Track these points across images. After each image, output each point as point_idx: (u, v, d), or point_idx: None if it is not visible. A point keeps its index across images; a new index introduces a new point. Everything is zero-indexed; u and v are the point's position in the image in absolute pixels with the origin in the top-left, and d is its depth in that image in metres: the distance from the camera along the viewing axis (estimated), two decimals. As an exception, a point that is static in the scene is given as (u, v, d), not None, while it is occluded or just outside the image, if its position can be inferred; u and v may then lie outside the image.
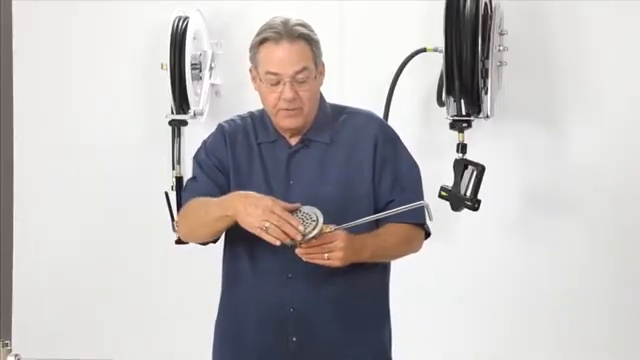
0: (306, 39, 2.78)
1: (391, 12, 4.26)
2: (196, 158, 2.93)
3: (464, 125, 4.00)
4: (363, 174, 2.83)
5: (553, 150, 4.16)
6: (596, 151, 4.13)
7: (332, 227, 2.67)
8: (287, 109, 2.78)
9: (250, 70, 2.87)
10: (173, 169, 4.38)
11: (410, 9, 4.24)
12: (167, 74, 4.26)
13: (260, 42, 2.80)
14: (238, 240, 2.84)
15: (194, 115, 4.31)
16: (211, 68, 4.38)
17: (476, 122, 4.02)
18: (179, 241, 4.32)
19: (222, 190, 2.83)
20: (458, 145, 3.99)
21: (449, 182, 3.95)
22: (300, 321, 2.81)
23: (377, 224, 2.83)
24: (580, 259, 4.15)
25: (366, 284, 2.86)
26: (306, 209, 2.67)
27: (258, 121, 2.90)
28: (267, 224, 2.60)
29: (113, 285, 4.58)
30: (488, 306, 4.23)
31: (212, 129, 4.36)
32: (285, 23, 2.79)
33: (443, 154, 4.07)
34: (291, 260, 2.71)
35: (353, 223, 2.70)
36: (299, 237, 2.61)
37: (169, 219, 4.32)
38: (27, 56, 4.63)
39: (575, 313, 4.17)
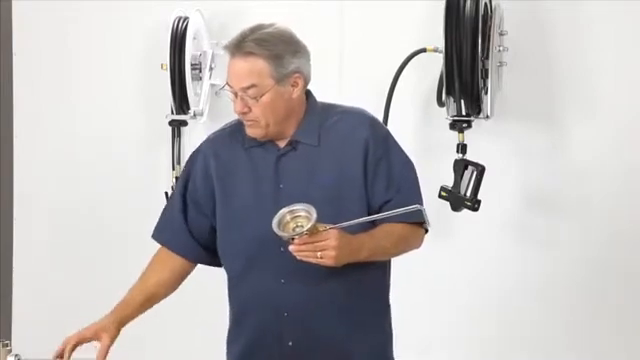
0: (260, 56, 2.73)
1: (391, 12, 4.26)
2: (180, 186, 2.94)
3: (464, 125, 4.00)
4: (354, 176, 2.80)
5: (553, 150, 4.16)
6: (596, 151, 4.13)
7: (327, 226, 2.66)
8: (245, 119, 2.79)
9: None
10: (173, 169, 4.38)
11: (410, 9, 4.24)
12: (167, 74, 4.26)
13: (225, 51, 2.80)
14: (232, 248, 2.85)
15: (194, 115, 4.31)
16: (211, 68, 4.38)
17: (476, 122, 4.02)
18: (179, 241, 4.32)
19: (192, 224, 2.92)
20: (458, 145, 3.99)
21: (449, 182, 3.95)
22: (295, 325, 2.79)
23: (374, 224, 2.81)
24: (580, 259, 4.15)
25: (363, 284, 2.83)
26: (300, 206, 2.65)
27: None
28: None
29: (113, 285, 4.56)
30: (488, 306, 4.23)
31: (212, 129, 4.36)
32: (241, 38, 2.74)
33: (443, 154, 4.07)
34: (284, 265, 2.71)
35: (348, 223, 2.67)
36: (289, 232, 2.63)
37: (169, 219, 4.32)
38: (27, 56, 4.63)
39: (575, 312, 4.17)
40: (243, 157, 2.85)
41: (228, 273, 2.91)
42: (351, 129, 2.83)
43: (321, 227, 2.64)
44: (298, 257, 2.65)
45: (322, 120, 2.84)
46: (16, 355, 2.55)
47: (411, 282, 3.91)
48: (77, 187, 4.59)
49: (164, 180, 4.39)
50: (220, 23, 4.43)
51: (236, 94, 2.75)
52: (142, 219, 4.50)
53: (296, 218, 2.65)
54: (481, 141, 4.09)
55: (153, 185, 4.44)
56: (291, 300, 2.79)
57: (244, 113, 2.75)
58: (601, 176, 4.13)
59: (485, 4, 3.95)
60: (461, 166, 3.96)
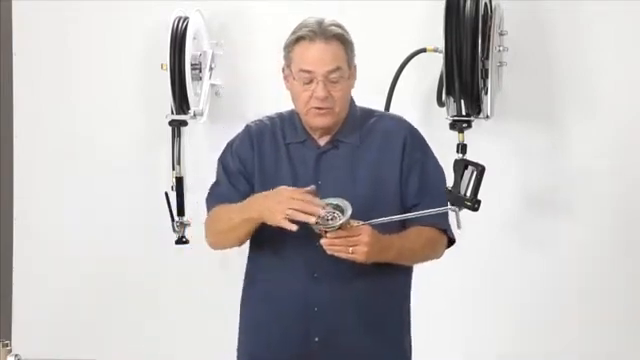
0: (340, 40, 2.83)
1: (391, 12, 4.26)
2: (221, 161, 2.96)
3: (464, 125, 4.00)
4: (391, 176, 2.85)
5: (553, 150, 4.16)
6: (596, 151, 4.13)
7: (360, 222, 2.68)
8: (319, 107, 2.80)
9: (283, 69, 2.89)
10: (173, 169, 4.38)
11: (410, 9, 4.24)
12: (167, 74, 4.26)
13: (295, 40, 2.83)
14: (264, 239, 2.85)
15: (194, 115, 4.30)
16: (211, 68, 4.37)
17: (476, 122, 4.02)
18: (179, 241, 4.34)
19: (244, 196, 2.86)
20: (458, 145, 3.99)
21: (449, 182, 3.94)
22: (324, 321, 2.81)
23: (403, 226, 2.83)
24: (580, 259, 4.15)
25: (391, 287, 2.87)
26: (335, 200, 2.69)
27: (287, 122, 2.92)
28: (289, 211, 2.63)
29: (113, 285, 4.58)
30: (487, 306, 4.23)
31: (212, 129, 4.38)
32: (320, 23, 2.83)
33: (443, 154, 4.01)
34: (318, 259, 2.73)
35: (381, 220, 2.71)
36: (322, 212, 2.63)
37: (169, 219, 4.32)
38: (27, 56, 4.63)
39: (575, 312, 4.17)
40: (283, 152, 2.88)
41: (258, 266, 2.91)
42: (390, 129, 2.91)
43: (354, 223, 2.67)
44: (329, 251, 2.67)
45: (362, 121, 2.91)
46: (16, 355, 2.55)
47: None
48: (77, 187, 4.58)
49: (164, 180, 4.39)
50: (220, 23, 4.43)
51: (312, 80, 2.78)
52: (142, 219, 4.52)
53: (331, 212, 2.67)
54: (481, 141, 4.09)
55: (153, 185, 4.43)
56: (322, 295, 2.81)
57: (325, 98, 2.78)
58: (601, 176, 4.12)
59: (485, 4, 3.95)
60: (461, 166, 3.93)
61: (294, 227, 2.64)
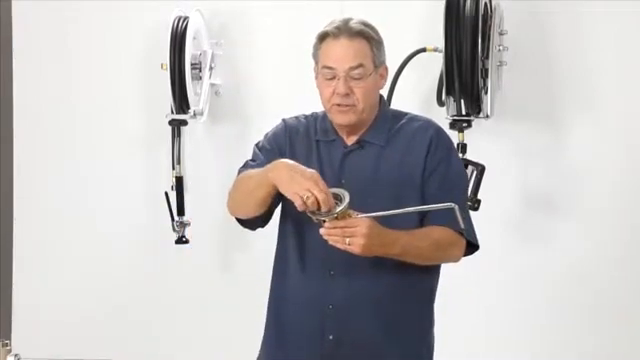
0: (365, 37, 2.82)
1: (391, 12, 4.25)
2: (257, 145, 2.96)
3: (464, 125, 4.01)
4: (414, 177, 2.82)
5: (553, 150, 4.16)
6: (596, 151, 4.14)
7: (359, 214, 2.66)
8: (340, 104, 2.80)
9: (314, 69, 2.89)
10: (173, 169, 4.38)
11: (410, 9, 4.24)
12: (167, 74, 4.26)
13: (321, 38, 2.85)
14: (289, 236, 2.86)
15: (194, 115, 4.31)
16: (211, 68, 4.38)
17: (476, 122, 4.03)
18: (179, 241, 4.34)
19: None
20: (458, 145, 3.99)
21: (449, 182, 3.94)
22: (339, 320, 2.79)
23: (422, 225, 2.82)
24: (580, 258, 4.15)
25: (409, 287, 2.83)
26: (335, 190, 2.67)
27: (320, 120, 2.93)
28: (308, 194, 2.61)
29: (113, 285, 4.58)
30: (487, 305, 4.23)
31: (212, 129, 4.38)
32: (346, 21, 2.85)
33: (443, 154, 4.06)
34: (335, 257, 2.72)
35: (380, 213, 2.68)
36: (324, 209, 2.61)
37: (169, 219, 4.32)
38: (27, 56, 4.63)
39: (575, 311, 4.17)
40: (314, 150, 2.88)
41: (281, 263, 2.90)
42: (417, 129, 2.89)
43: (353, 214, 2.65)
44: (329, 241, 2.66)
45: (391, 124, 2.90)
46: (16, 355, 2.55)
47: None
48: (77, 187, 4.59)
49: (164, 180, 4.39)
50: (220, 23, 4.43)
51: (334, 76, 2.79)
52: (142, 219, 4.53)
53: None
54: (481, 141, 4.09)
55: (153, 185, 4.44)
56: (337, 293, 2.80)
57: (346, 95, 2.79)
58: (601, 176, 4.13)
59: (485, 4, 3.96)
60: (461, 166, 3.95)
61: (302, 207, 2.63)
